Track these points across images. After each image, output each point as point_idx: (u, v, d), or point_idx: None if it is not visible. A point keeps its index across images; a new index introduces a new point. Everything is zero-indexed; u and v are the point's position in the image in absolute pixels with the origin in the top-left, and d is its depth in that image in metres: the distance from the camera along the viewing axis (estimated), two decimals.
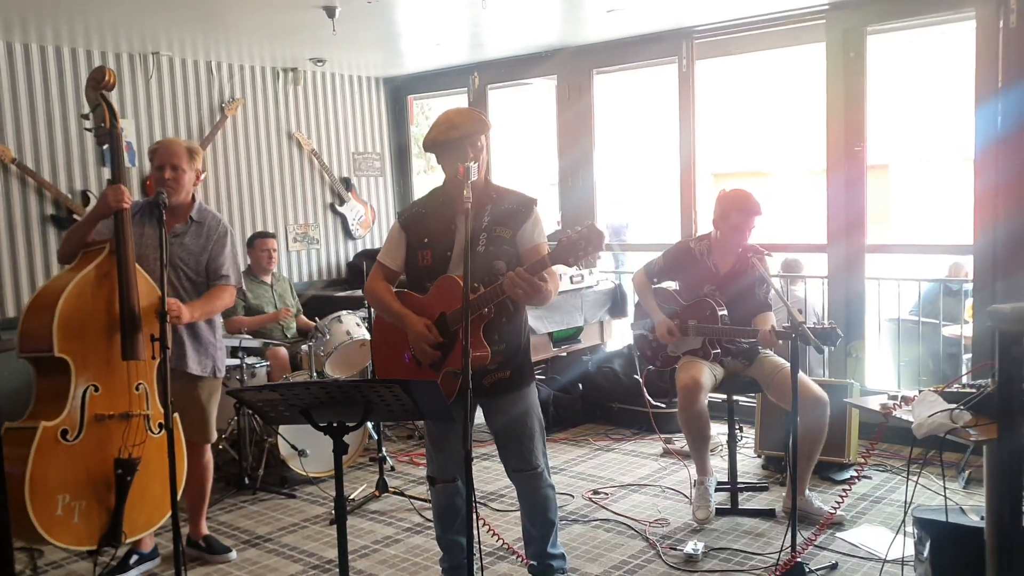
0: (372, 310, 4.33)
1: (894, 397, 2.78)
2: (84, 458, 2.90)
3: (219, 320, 3.46)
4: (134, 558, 3.35)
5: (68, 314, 2.88)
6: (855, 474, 3.71)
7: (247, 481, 4.32)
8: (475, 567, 2.36)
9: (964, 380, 2.78)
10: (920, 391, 2.67)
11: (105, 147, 3.12)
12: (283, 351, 4.79)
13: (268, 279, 5.13)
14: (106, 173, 5.16)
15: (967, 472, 4.00)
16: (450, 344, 2.75)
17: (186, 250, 3.26)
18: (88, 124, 3.17)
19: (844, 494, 3.44)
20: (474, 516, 2.37)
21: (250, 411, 4.23)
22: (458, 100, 6.52)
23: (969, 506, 3.04)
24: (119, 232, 3.02)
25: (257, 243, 5.13)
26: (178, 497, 2.86)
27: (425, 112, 8.89)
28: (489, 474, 4.40)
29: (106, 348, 2.97)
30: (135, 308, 2.99)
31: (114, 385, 2.98)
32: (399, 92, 6.75)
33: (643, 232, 9.11)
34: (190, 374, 3.25)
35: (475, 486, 2.57)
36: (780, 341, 3.43)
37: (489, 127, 2.80)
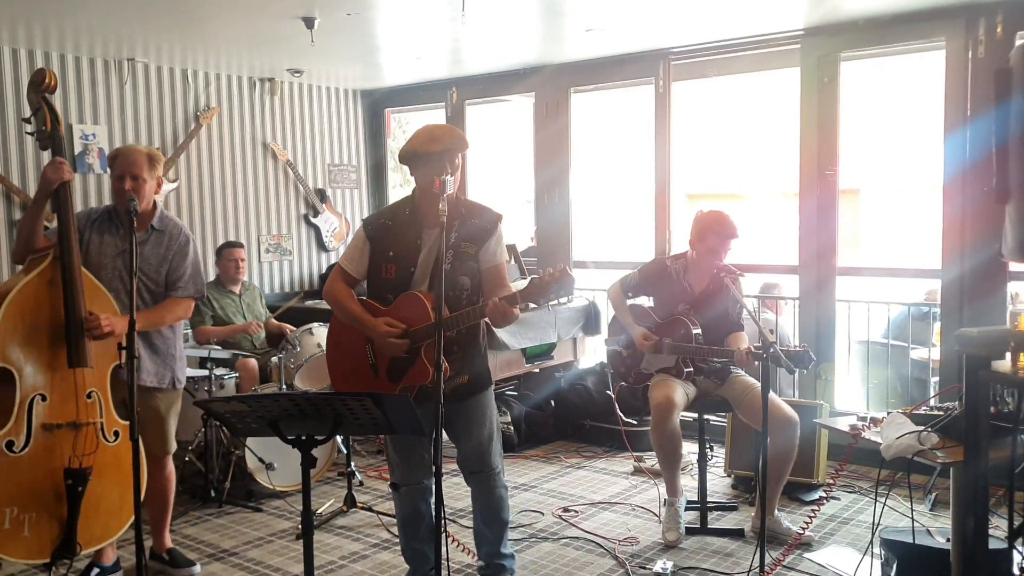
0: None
1: (863, 418, 2.81)
2: (31, 469, 2.82)
3: (179, 330, 3.38)
4: (95, 571, 3.26)
5: (9, 323, 2.81)
6: (823, 495, 3.74)
7: (213, 494, 4.24)
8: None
9: (932, 403, 2.82)
10: (889, 413, 2.71)
11: (47, 151, 3.04)
12: (253, 362, 4.73)
13: (237, 289, 5.07)
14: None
15: (934, 494, 4.04)
16: (410, 360, 2.75)
17: (145, 260, 3.17)
18: (30, 128, 3.09)
19: (812, 514, 3.46)
20: (442, 530, 2.36)
21: (217, 423, 4.17)
22: (436, 115, 6.53)
23: (935, 528, 3.07)
24: (63, 226, 2.94)
25: (225, 253, 5.08)
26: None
27: (403, 126, 8.89)
28: (459, 490, 4.36)
29: (52, 356, 2.89)
30: (81, 314, 2.92)
31: (62, 394, 2.91)
32: (377, 105, 6.74)
33: (617, 251, 9.15)
34: (146, 386, 3.17)
35: (444, 502, 2.55)
36: (756, 362, 3.45)
37: (468, 146, 2.81)
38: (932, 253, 4.62)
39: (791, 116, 4.89)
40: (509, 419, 5.19)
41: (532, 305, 2.98)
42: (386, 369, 2.84)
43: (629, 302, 3.94)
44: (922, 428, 2.46)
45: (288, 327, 5.07)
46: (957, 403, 2.56)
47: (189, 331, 4.96)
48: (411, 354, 2.75)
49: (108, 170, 5.18)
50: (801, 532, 3.49)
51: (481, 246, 2.81)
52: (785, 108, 5.42)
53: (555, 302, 5.28)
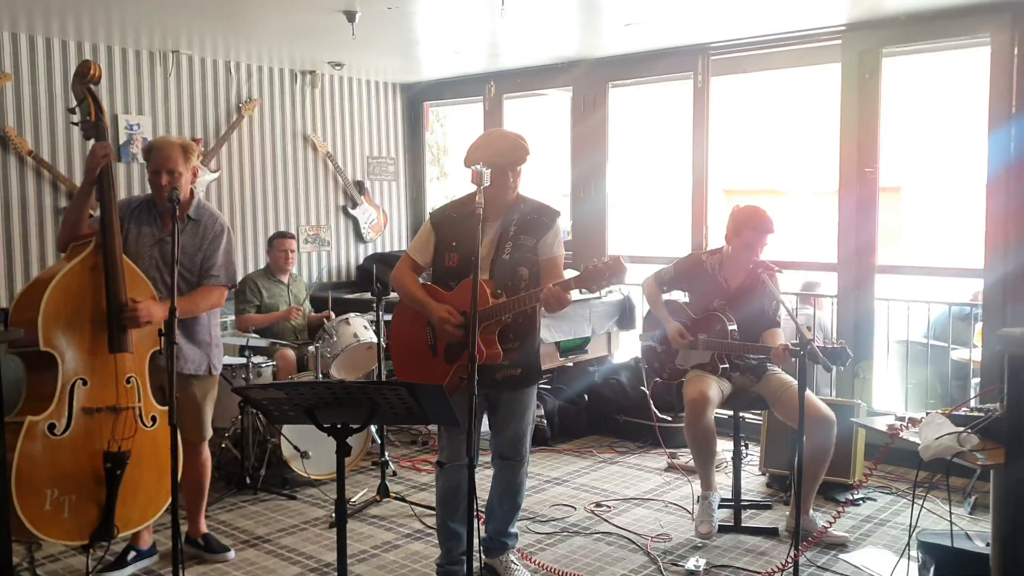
0: (380, 311, 4.36)
1: (901, 418, 2.76)
2: (72, 452, 2.88)
3: (216, 318, 3.43)
4: (131, 555, 3.34)
5: (53, 309, 2.87)
6: (851, 496, 3.72)
7: (248, 481, 4.31)
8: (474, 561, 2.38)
9: (972, 404, 2.77)
10: (928, 413, 2.66)
11: (91, 141, 3.11)
12: (291, 353, 4.80)
13: (285, 279, 5.14)
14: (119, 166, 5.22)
15: (973, 497, 3.96)
16: (467, 343, 2.83)
17: (181, 249, 3.20)
18: (75, 118, 3.16)
19: (839, 512, 3.45)
20: (475, 506, 2.40)
21: (254, 410, 4.24)
22: (474, 109, 6.54)
23: (974, 532, 3.02)
24: (105, 212, 3.00)
25: (276, 243, 5.14)
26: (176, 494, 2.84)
27: (440, 119, 8.92)
28: None
29: (93, 342, 2.96)
30: (122, 300, 2.98)
31: (103, 378, 2.97)
32: (416, 99, 6.78)
33: (653, 246, 9.08)
34: (184, 373, 3.22)
35: (478, 495, 2.58)
36: (792, 359, 3.42)
37: (529, 153, 2.96)
38: (974, 252, 4.53)
39: (831, 112, 4.81)
40: (542, 412, 5.20)
41: (584, 292, 3.11)
42: (444, 350, 2.98)
43: (664, 297, 3.92)
44: (962, 429, 2.41)
45: (327, 313, 5.12)
46: (999, 404, 2.51)
47: (228, 319, 5.04)
48: (468, 337, 2.83)
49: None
50: (826, 527, 3.47)
51: (540, 239, 3.00)
52: (825, 104, 5.35)
53: (604, 292, 5.34)
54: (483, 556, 3.21)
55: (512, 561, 3.24)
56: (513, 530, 3.26)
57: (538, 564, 3.39)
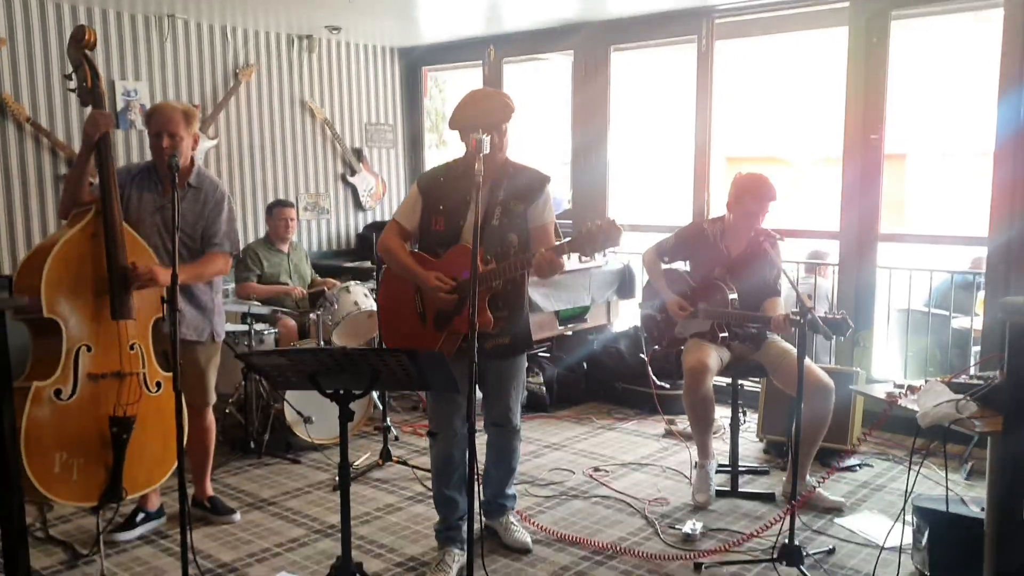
0: (379, 278, 4.35)
1: (900, 386, 2.77)
2: (79, 416, 2.93)
3: (219, 285, 3.45)
4: (140, 516, 3.40)
5: (56, 275, 2.89)
6: (841, 459, 3.76)
7: (252, 445, 4.36)
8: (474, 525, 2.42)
9: (972, 371, 2.77)
10: (926, 381, 2.67)
11: (88, 107, 3.09)
12: (292, 322, 4.81)
13: (285, 248, 5.13)
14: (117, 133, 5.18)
15: (970, 464, 4.00)
16: (457, 309, 2.87)
17: (182, 216, 3.21)
18: (71, 84, 3.14)
19: (829, 474, 3.53)
20: (475, 473, 2.43)
21: (257, 376, 4.26)
22: (474, 73, 6.48)
23: (970, 497, 3.05)
24: (104, 180, 3.00)
25: (276, 211, 5.12)
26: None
27: (439, 85, 8.83)
28: None
29: (96, 309, 2.98)
30: (123, 266, 2.99)
31: (106, 344, 3.00)
32: (414, 64, 6.71)
33: (655, 214, 9.06)
34: (187, 339, 3.25)
35: (477, 458, 2.60)
36: (792, 328, 3.43)
37: (513, 111, 2.88)
38: (979, 220, 4.51)
39: (836, 79, 4.76)
40: (542, 380, 5.23)
41: (582, 259, 3.09)
42: (433, 318, 2.96)
43: (665, 267, 3.92)
44: (961, 397, 2.42)
45: (331, 281, 5.14)
46: (998, 372, 2.52)
47: (230, 286, 5.05)
48: (458, 304, 2.86)
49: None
50: (814, 488, 3.52)
51: (530, 205, 2.94)
52: (830, 70, 5.29)
53: (597, 257, 5.32)
54: (483, 518, 3.25)
55: (512, 522, 3.29)
56: (511, 492, 3.31)
57: (537, 526, 3.44)
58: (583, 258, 5.26)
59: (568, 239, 2.74)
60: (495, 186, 2.91)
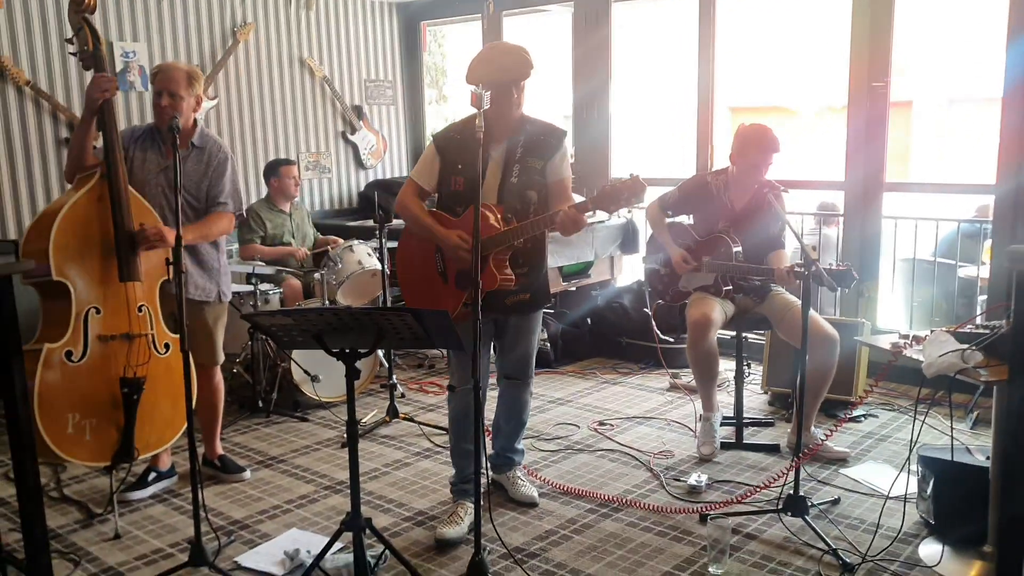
0: (383, 238, 4.35)
1: (905, 336, 2.77)
2: (90, 378, 2.96)
3: (223, 245, 3.46)
4: (152, 475, 3.44)
5: (63, 239, 2.90)
6: (850, 411, 3.79)
7: (261, 404, 4.40)
8: (482, 481, 2.44)
9: (977, 321, 2.77)
10: (932, 331, 2.67)
11: (90, 71, 3.07)
12: (296, 281, 4.82)
13: (287, 208, 5.10)
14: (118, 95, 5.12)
15: (975, 413, 4.02)
16: (484, 258, 2.84)
17: (187, 176, 3.22)
18: (72, 49, 3.12)
19: (836, 427, 3.53)
20: (482, 429, 2.44)
21: (264, 336, 4.28)
22: (472, 27, 6.37)
23: (975, 446, 3.07)
24: (108, 143, 3.00)
25: (283, 170, 5.04)
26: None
27: (438, 40, 8.71)
28: None
29: (103, 271, 2.99)
30: (129, 229, 3.00)
31: (115, 307, 3.02)
32: (412, 18, 6.60)
33: (658, 167, 8.99)
34: (194, 300, 3.27)
35: (486, 415, 2.63)
36: (797, 281, 3.42)
37: (533, 68, 2.84)
38: (985, 169, 4.46)
39: (842, 26, 4.67)
40: (546, 336, 5.25)
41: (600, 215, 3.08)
42: (455, 277, 2.95)
43: (668, 220, 3.90)
44: (966, 346, 2.42)
45: (333, 238, 5.13)
46: (1004, 321, 2.52)
47: (234, 247, 5.04)
48: (481, 262, 2.82)
49: (147, 88, 5.24)
50: (823, 440, 3.53)
51: (548, 160, 2.91)
52: (835, 18, 5.18)
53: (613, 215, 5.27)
54: (490, 472, 3.29)
55: (519, 477, 3.32)
56: (519, 447, 3.34)
57: (543, 480, 3.48)
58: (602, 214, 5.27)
59: (591, 196, 2.72)
60: (512, 143, 2.88)
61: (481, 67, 2.81)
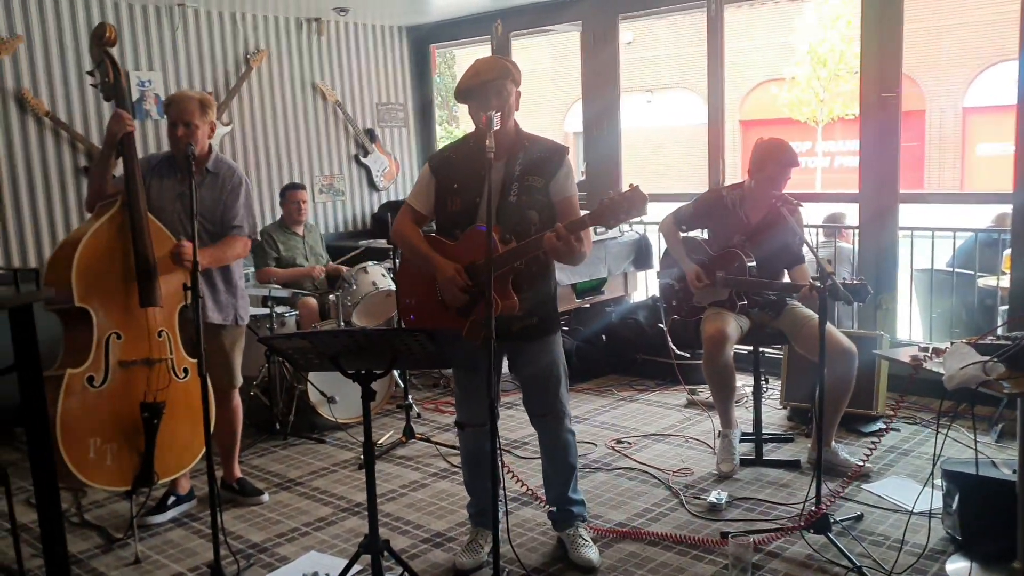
0: (395, 258, 4.36)
1: (925, 349, 2.74)
2: (111, 403, 2.99)
3: (240, 269, 3.48)
4: (171, 499, 3.46)
5: (84, 266, 2.94)
6: (884, 426, 3.70)
7: (278, 427, 4.41)
8: (500, 512, 2.39)
9: (999, 332, 2.73)
10: (952, 343, 2.63)
11: (110, 102, 3.13)
12: (312, 301, 4.84)
13: (300, 231, 5.15)
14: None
15: (999, 426, 3.95)
16: (479, 293, 2.71)
17: (202, 202, 3.25)
18: (93, 80, 3.19)
19: (873, 446, 3.44)
20: (499, 463, 2.40)
21: (280, 359, 4.30)
22: (482, 50, 6.42)
23: (1000, 460, 3.02)
24: (128, 173, 3.05)
25: (288, 195, 5.14)
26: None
27: (448, 62, 8.80)
28: (514, 422, 4.44)
29: (124, 297, 3.03)
30: (149, 256, 3.04)
31: (135, 332, 3.06)
32: (422, 42, 6.67)
33: (670, 182, 8.99)
34: (211, 324, 3.29)
35: (500, 434, 2.59)
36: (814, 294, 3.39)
37: (513, 71, 2.71)
38: (1003, 178, 4.43)
39: (852, 39, 4.67)
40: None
41: (600, 230, 2.88)
42: (459, 304, 2.79)
43: (683, 235, 3.89)
44: (988, 358, 2.39)
45: (344, 268, 5.16)
46: None
47: (250, 271, 5.08)
48: (479, 287, 2.68)
49: (163, 117, 5.31)
50: (861, 464, 3.47)
51: (550, 179, 2.74)
52: (846, 31, 5.18)
53: (621, 230, 5.22)
54: (553, 527, 3.09)
55: (580, 535, 2.96)
56: (576, 496, 3.02)
57: None
58: (597, 230, 5.26)
59: (589, 212, 2.58)
60: (511, 160, 2.72)
61: (463, 81, 2.72)
